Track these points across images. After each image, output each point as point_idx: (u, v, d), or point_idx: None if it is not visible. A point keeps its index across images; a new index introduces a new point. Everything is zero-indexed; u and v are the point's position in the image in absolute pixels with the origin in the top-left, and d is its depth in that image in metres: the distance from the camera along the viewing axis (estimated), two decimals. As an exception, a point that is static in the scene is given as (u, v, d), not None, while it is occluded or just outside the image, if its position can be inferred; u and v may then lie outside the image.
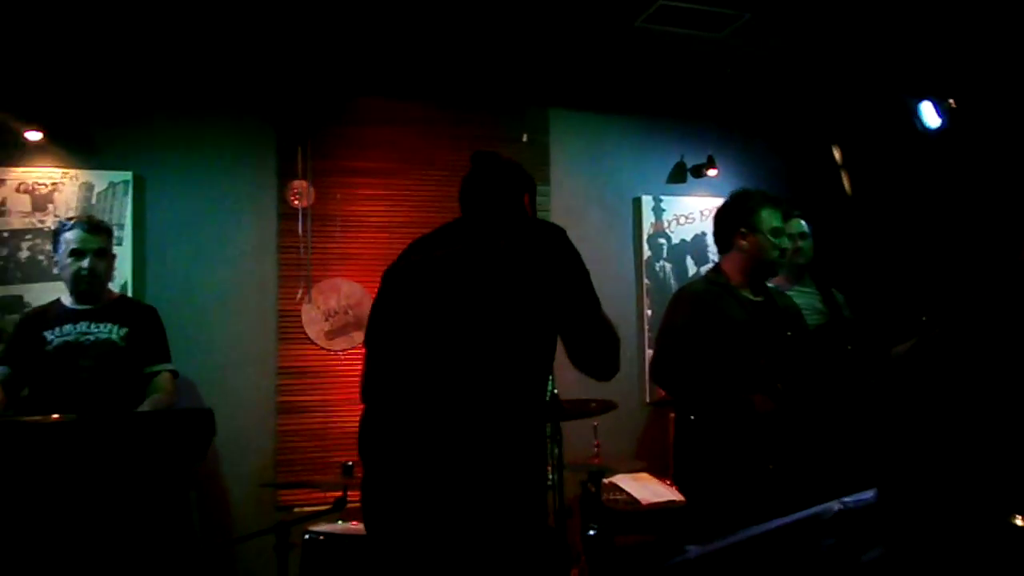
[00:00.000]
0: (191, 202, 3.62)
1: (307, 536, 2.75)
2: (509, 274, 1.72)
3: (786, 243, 2.68)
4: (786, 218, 2.77)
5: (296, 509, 3.37)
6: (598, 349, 1.79)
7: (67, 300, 2.87)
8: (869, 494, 1.43)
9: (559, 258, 1.75)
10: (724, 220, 2.73)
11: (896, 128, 3.98)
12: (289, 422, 3.62)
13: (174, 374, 2.95)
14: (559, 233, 1.79)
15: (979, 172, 4.14)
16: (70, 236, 2.79)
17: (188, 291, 3.57)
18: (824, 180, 4.31)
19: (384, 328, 1.81)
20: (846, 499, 1.34)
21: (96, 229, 2.81)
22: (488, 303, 1.71)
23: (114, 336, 2.82)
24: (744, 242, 2.65)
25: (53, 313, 2.85)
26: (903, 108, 3.90)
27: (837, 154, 4.43)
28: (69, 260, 2.79)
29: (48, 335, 2.79)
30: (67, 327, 2.80)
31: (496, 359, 1.71)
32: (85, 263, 2.78)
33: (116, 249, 3.43)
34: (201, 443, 2.49)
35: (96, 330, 2.81)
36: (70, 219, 2.86)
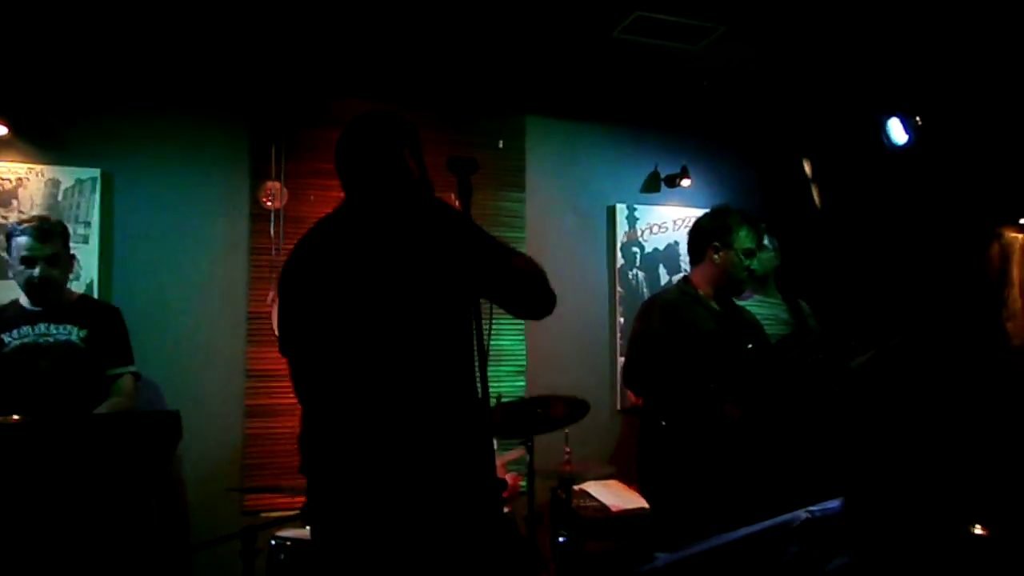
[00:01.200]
0: (161, 201, 3.56)
1: (274, 542, 2.72)
2: (408, 254, 1.69)
3: (755, 265, 2.74)
4: (761, 239, 2.82)
5: (263, 514, 3.32)
6: (525, 292, 1.77)
7: (24, 301, 2.78)
8: (835, 503, 1.45)
9: (450, 226, 1.71)
10: (701, 232, 2.77)
11: (864, 143, 4.07)
12: (257, 425, 3.57)
13: (136, 376, 2.88)
14: (441, 205, 1.77)
15: (944, 188, 4.24)
16: (21, 242, 2.69)
17: (156, 291, 3.51)
18: (795, 193, 4.38)
19: (300, 333, 1.76)
20: (813, 508, 1.36)
21: (46, 235, 2.68)
22: (394, 288, 1.67)
23: (74, 338, 2.75)
24: (716, 256, 2.70)
25: (11, 314, 2.76)
26: (872, 124, 3.99)
27: (807, 168, 4.51)
28: (21, 267, 2.71)
29: (6, 337, 2.70)
30: (25, 329, 2.71)
31: (415, 343, 1.67)
32: (36, 271, 2.68)
33: (83, 248, 3.39)
34: (167, 446, 2.44)
35: (55, 332, 2.73)
36: (21, 223, 2.75)
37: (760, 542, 1.33)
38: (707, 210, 2.94)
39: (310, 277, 1.75)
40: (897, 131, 3.88)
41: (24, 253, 2.68)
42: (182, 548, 3.36)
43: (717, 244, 2.69)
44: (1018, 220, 4.93)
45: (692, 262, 2.81)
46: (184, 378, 3.48)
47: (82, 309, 2.83)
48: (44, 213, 3.28)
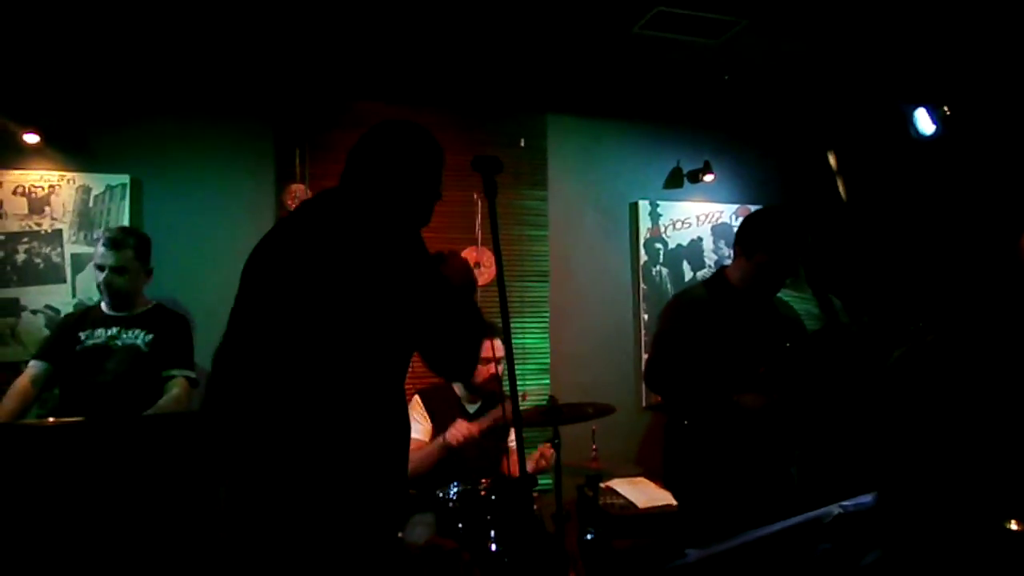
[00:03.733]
0: (188, 205, 3.61)
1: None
2: (357, 270, 1.61)
3: (798, 270, 2.69)
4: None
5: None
6: (450, 348, 1.67)
7: (105, 305, 2.97)
8: (868, 498, 1.44)
9: (409, 264, 1.62)
10: (756, 232, 2.64)
11: (891, 134, 4.01)
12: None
13: (192, 382, 2.95)
14: (418, 241, 1.68)
15: (973, 178, 4.17)
16: (98, 250, 2.93)
17: (185, 295, 3.56)
18: (820, 186, 4.34)
19: (242, 309, 1.73)
20: (845, 503, 1.35)
21: (117, 246, 2.90)
22: (327, 294, 1.60)
23: (140, 342, 2.90)
24: (757, 261, 2.60)
25: (92, 316, 2.96)
26: (898, 115, 3.93)
27: (832, 160, 4.46)
28: (96, 271, 2.93)
29: (82, 335, 2.89)
30: (99, 330, 2.90)
31: (328, 356, 1.59)
32: (101, 277, 2.90)
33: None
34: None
35: (125, 336, 2.90)
36: (106, 231, 2.99)
37: (792, 537, 1.33)
38: (734, 205, 2.90)
39: (273, 257, 1.71)
40: (924, 121, 3.82)
41: (97, 260, 2.92)
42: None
43: (761, 250, 2.59)
44: (1050, 209, 4.83)
45: (736, 254, 2.69)
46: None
47: (153, 316, 2.99)
48: (121, 225, 3.38)
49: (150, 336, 2.91)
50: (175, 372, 2.90)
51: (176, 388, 2.87)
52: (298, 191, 3.70)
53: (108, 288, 2.90)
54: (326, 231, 1.67)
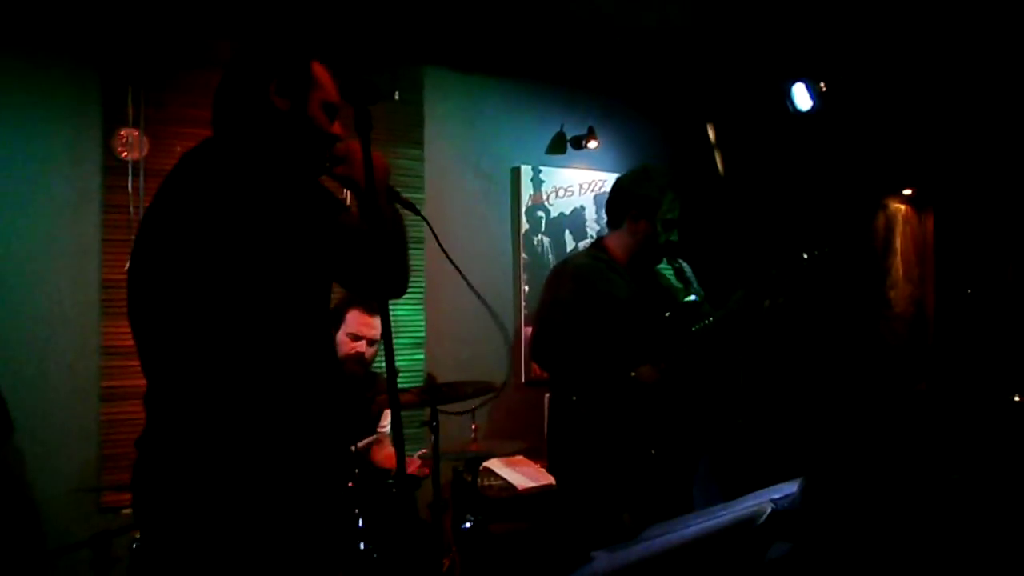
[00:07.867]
0: (-12, 148, 2.99)
1: (135, 546, 2.34)
2: (202, 207, 1.41)
3: (675, 237, 2.56)
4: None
5: (125, 511, 2.89)
6: (360, 256, 1.52)
7: None
8: (794, 487, 1.28)
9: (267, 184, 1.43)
10: (621, 196, 2.55)
11: (769, 109, 4.03)
12: (116, 411, 3.11)
13: None
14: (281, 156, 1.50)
15: (839, 156, 4.28)
16: None
17: (-15, 255, 2.96)
18: (701, 157, 4.31)
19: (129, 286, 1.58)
20: (776, 496, 1.18)
21: None
22: (179, 245, 1.42)
23: None
24: (635, 225, 2.51)
25: None
26: (776, 89, 3.94)
27: (711, 133, 4.44)
28: None
29: None
30: None
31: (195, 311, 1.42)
32: None
33: None
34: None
35: None
36: None
37: (719, 543, 1.15)
38: (617, 174, 2.76)
39: (141, 225, 1.52)
40: (802, 97, 3.85)
41: None
42: (28, 557, 2.88)
43: (636, 212, 2.50)
44: (901, 191, 5.12)
45: (609, 225, 2.62)
46: (23, 356, 2.97)
47: None
48: None
49: None
50: None
51: None
52: (130, 136, 3.16)
53: None
54: (201, 183, 1.45)
